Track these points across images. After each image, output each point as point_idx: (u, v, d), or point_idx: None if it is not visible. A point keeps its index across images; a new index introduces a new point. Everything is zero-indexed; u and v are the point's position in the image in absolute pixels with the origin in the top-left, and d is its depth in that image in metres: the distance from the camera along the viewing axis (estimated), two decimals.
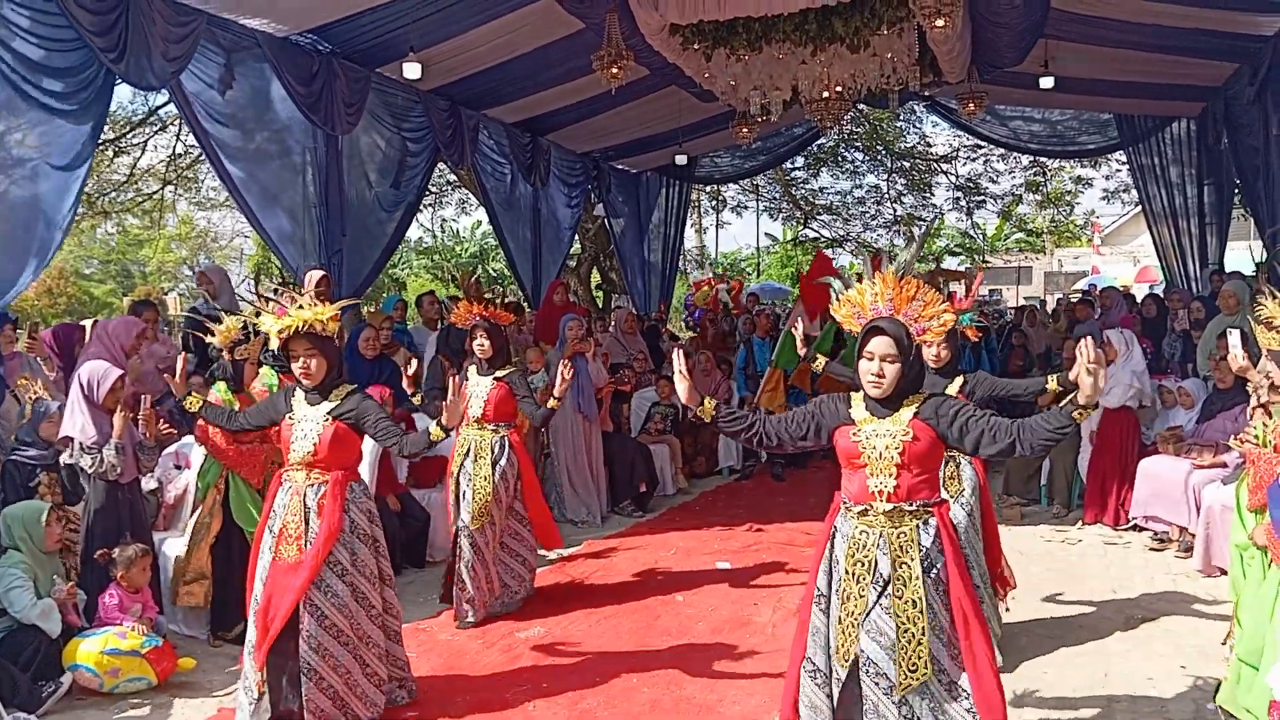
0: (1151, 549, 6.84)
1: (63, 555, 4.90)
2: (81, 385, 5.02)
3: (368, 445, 6.32)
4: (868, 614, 3.07)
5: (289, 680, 4.06)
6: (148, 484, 5.59)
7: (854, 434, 3.16)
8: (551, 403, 5.44)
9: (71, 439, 4.97)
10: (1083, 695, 4.40)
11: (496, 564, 5.61)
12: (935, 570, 3.07)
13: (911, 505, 3.09)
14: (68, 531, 4.89)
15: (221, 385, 5.27)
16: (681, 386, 3.42)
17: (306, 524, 4.00)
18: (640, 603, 5.89)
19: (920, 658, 3.02)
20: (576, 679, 4.70)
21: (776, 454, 9.85)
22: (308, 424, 4.08)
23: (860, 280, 3.32)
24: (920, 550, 3.06)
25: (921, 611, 3.03)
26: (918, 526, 3.08)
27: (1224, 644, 4.23)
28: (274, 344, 4.13)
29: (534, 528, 5.79)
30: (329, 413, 4.07)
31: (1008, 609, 5.11)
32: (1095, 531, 7.41)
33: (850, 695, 3.12)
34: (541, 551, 6.21)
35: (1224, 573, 5.50)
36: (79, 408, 4.99)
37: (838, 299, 3.30)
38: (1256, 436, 4.02)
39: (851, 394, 3.27)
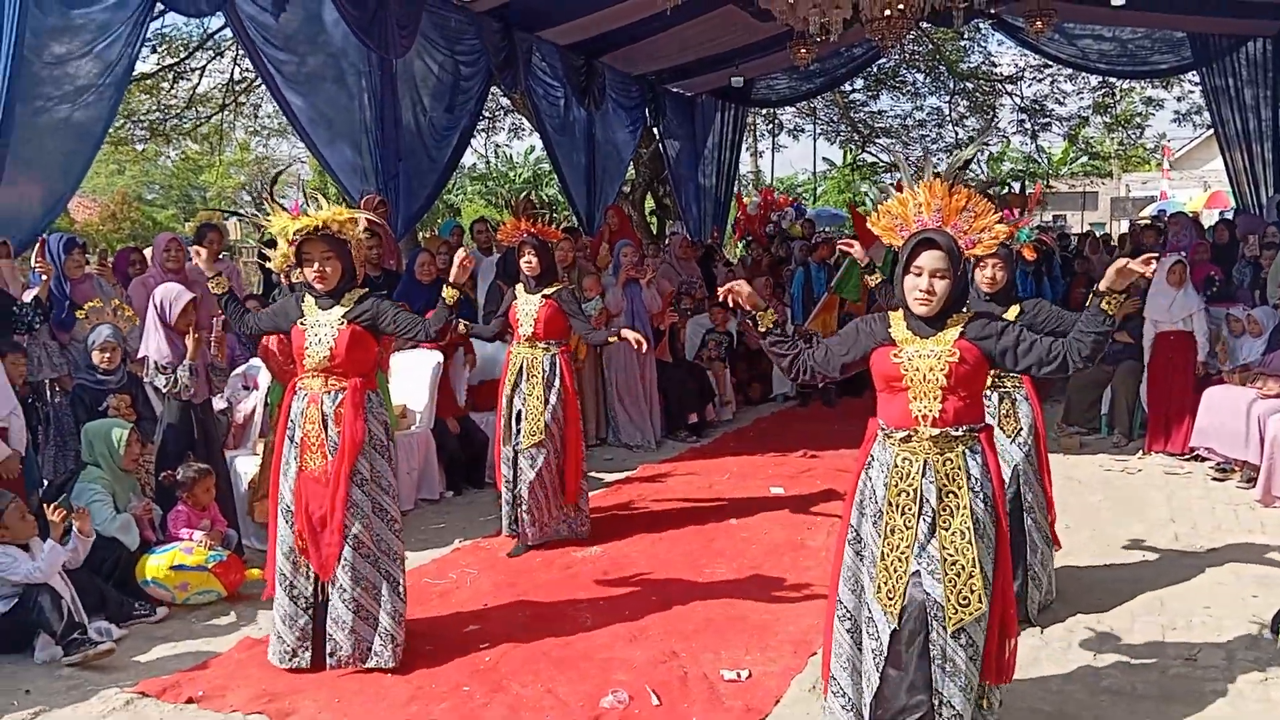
0: (1214, 479, 6.76)
1: (135, 472, 5.07)
2: (155, 306, 5.15)
3: (426, 370, 6.49)
4: (923, 549, 2.89)
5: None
6: (218, 404, 5.74)
7: (895, 355, 2.95)
8: (612, 339, 5.57)
9: (147, 358, 5.13)
10: (1138, 622, 4.40)
11: (553, 488, 5.57)
12: (985, 495, 2.91)
13: (958, 430, 2.91)
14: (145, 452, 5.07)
15: None
16: (745, 288, 3.15)
17: (326, 430, 3.92)
18: (695, 526, 5.96)
19: (973, 590, 2.84)
20: (634, 598, 4.80)
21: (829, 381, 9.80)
22: (322, 329, 3.95)
23: (899, 189, 3.04)
24: (970, 479, 2.90)
25: (971, 542, 2.86)
26: (965, 453, 2.91)
27: None
28: (283, 248, 3.94)
29: (564, 474, 5.58)
30: (343, 316, 3.95)
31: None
32: (1156, 461, 7.33)
33: (905, 642, 2.89)
34: (596, 474, 6.20)
35: None
36: (154, 328, 5.13)
37: (875, 209, 3.07)
38: None
39: (890, 313, 3.04)
